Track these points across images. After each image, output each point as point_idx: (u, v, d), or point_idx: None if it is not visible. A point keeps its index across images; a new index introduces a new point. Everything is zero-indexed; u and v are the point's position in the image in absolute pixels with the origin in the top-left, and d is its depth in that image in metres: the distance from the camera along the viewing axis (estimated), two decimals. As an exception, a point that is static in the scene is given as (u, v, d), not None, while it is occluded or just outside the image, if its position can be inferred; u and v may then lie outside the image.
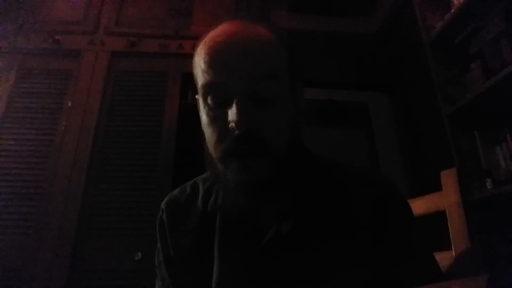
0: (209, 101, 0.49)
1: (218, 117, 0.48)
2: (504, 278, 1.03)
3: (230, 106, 0.47)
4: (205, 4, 1.94)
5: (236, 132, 0.45)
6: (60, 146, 1.59)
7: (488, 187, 1.30)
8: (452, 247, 0.63)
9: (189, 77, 0.59)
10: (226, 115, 0.47)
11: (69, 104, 1.67)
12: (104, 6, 1.90)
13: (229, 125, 0.46)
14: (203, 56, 0.49)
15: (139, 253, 1.43)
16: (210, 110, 0.49)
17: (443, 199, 0.68)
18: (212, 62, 0.48)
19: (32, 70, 1.73)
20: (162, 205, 0.63)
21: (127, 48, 1.81)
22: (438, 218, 0.68)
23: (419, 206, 0.71)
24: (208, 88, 0.49)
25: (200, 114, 0.53)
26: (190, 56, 0.56)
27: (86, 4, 1.89)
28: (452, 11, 1.48)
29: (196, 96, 0.56)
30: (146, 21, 1.89)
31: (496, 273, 1.08)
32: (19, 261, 1.38)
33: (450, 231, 0.64)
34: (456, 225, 0.64)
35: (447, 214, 0.66)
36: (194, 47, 0.54)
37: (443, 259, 0.62)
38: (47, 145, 1.59)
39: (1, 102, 1.63)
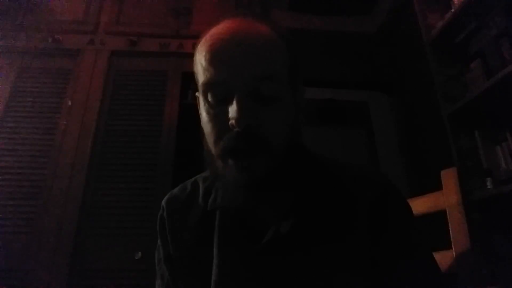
0: (210, 98, 0.49)
1: (218, 114, 0.48)
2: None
3: (230, 103, 0.46)
4: (205, 4, 1.94)
5: (236, 129, 0.45)
6: (60, 146, 1.59)
7: (489, 186, 1.30)
8: (452, 247, 0.63)
9: (189, 76, 0.59)
10: (227, 112, 0.46)
11: (69, 103, 1.67)
12: (104, 6, 1.90)
13: (229, 122, 0.46)
14: (204, 53, 0.49)
15: (139, 252, 1.43)
16: (211, 107, 0.49)
17: (443, 199, 0.68)
18: (213, 60, 0.48)
19: (32, 69, 1.73)
20: (163, 203, 0.63)
21: (127, 48, 1.80)
22: (438, 218, 0.68)
23: (419, 205, 0.71)
24: (209, 85, 0.49)
25: (200, 111, 0.53)
26: (190, 56, 0.56)
27: (86, 3, 1.89)
28: (453, 10, 1.48)
29: (196, 94, 0.56)
30: (146, 20, 1.89)
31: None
32: (19, 261, 1.38)
33: (450, 231, 0.64)
34: (456, 225, 0.64)
35: (447, 214, 0.66)
36: (194, 47, 0.54)
37: (443, 258, 0.62)
38: (47, 145, 1.59)
39: (1, 102, 1.63)
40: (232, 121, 0.45)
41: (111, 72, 1.76)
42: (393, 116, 2.33)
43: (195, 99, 0.57)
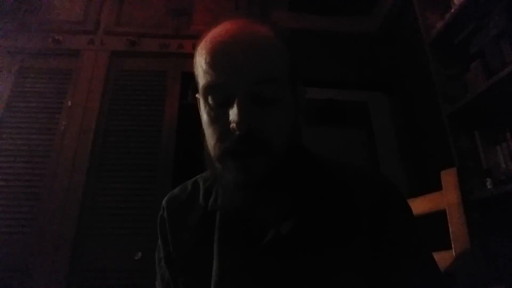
0: (210, 100, 0.49)
1: (219, 117, 0.48)
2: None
3: (231, 106, 0.47)
4: (205, 4, 1.94)
5: (237, 132, 0.45)
6: (60, 146, 1.59)
7: (488, 187, 1.30)
8: (452, 247, 0.63)
9: (189, 76, 0.59)
10: (227, 115, 0.47)
11: (69, 104, 1.67)
12: (104, 6, 1.89)
13: (230, 126, 0.46)
14: (204, 56, 0.49)
15: (139, 252, 1.43)
16: (211, 109, 0.49)
17: (443, 199, 0.68)
18: (214, 63, 0.48)
19: (32, 69, 1.73)
20: (163, 202, 0.63)
21: (127, 48, 1.80)
22: (438, 218, 0.68)
23: (419, 206, 0.71)
24: (209, 88, 0.49)
25: (200, 113, 0.53)
26: (190, 56, 0.56)
27: (86, 4, 1.89)
28: (452, 10, 1.48)
29: (197, 95, 0.56)
30: (146, 20, 1.89)
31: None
32: (19, 261, 1.38)
33: (450, 231, 0.64)
34: (456, 225, 0.64)
35: (447, 214, 0.66)
36: (194, 47, 0.54)
37: (443, 259, 0.62)
38: (47, 145, 1.59)
39: (1, 102, 1.63)
40: (233, 125, 0.45)
41: (111, 72, 1.76)
42: (393, 116, 2.33)
43: (195, 99, 0.57)
